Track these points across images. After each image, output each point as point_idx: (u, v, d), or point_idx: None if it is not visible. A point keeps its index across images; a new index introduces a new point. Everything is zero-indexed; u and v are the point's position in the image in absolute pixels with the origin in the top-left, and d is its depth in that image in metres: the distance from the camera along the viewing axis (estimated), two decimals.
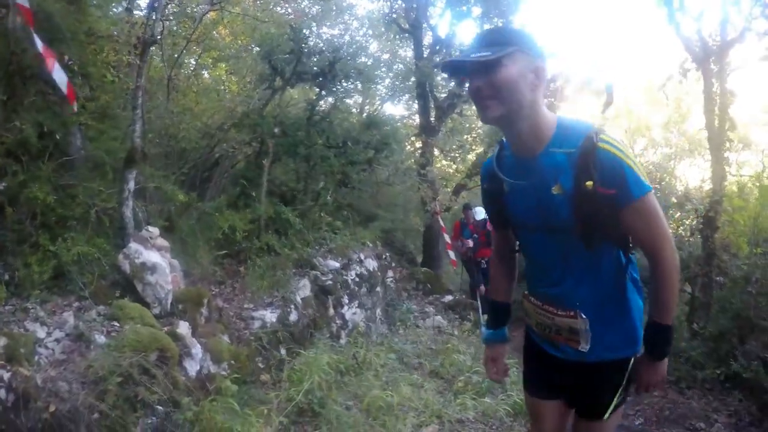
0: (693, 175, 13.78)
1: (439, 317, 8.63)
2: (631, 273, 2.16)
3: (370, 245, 8.86)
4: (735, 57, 7.38)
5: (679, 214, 10.56)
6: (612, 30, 40.89)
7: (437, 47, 13.15)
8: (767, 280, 6.03)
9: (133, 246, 4.81)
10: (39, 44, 4.23)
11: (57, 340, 3.66)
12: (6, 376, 2.99)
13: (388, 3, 13.33)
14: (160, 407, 3.69)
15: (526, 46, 1.95)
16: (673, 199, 11.02)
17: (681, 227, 9.96)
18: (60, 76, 4.43)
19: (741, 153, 12.70)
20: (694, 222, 7.68)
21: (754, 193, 7.54)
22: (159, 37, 6.42)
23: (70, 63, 5.04)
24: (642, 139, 19.69)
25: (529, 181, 2.03)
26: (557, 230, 2.04)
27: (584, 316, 2.08)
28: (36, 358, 3.37)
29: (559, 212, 1.99)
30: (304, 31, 8.78)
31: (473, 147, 14.87)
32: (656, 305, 2.04)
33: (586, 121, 2.06)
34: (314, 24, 9.61)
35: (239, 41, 10.13)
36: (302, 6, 10.48)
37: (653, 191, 1.94)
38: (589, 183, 1.88)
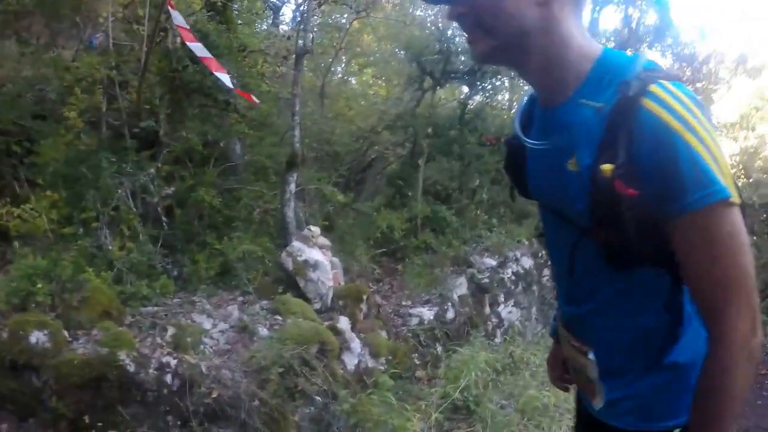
0: None
1: None
2: (687, 307, 1.28)
3: (526, 243, 8.51)
4: None
5: None
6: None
7: None
8: None
9: (296, 244, 4.96)
10: (203, 52, 4.50)
11: (222, 332, 3.84)
12: (173, 362, 3.16)
13: None
14: (318, 398, 3.73)
15: None
16: None
17: None
18: (225, 79, 4.69)
19: None
20: None
21: None
22: (311, 47, 6.66)
23: (229, 76, 5.34)
24: None
25: (549, 142, 1.25)
26: (572, 223, 1.28)
27: (592, 357, 1.35)
28: (201, 347, 3.54)
29: (574, 200, 1.21)
30: (450, 31, 8.72)
31: None
32: (696, 410, 1.15)
33: (640, 56, 1.20)
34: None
35: (385, 46, 10.27)
36: (443, 7, 10.33)
37: (736, 202, 1.07)
38: (607, 167, 1.07)
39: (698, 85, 12.56)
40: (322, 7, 7.11)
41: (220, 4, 5.46)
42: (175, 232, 4.41)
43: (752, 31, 30.18)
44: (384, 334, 5.02)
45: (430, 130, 8.22)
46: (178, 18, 4.51)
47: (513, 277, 7.25)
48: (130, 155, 4.25)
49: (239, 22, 6.47)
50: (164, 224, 4.29)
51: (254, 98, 5.12)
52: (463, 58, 8.70)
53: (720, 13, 32.33)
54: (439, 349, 5.37)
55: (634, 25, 11.87)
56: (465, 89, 9.54)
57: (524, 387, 4.52)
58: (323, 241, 5.33)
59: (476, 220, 7.96)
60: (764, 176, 10.36)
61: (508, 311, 6.88)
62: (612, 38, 12.73)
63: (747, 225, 1.12)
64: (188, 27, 4.61)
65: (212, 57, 4.63)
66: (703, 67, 12.40)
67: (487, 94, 9.83)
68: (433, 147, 8.08)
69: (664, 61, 12.83)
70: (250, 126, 5.72)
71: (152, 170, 4.29)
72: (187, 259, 4.33)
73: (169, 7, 4.44)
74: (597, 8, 12.24)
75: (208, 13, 5.35)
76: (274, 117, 6.55)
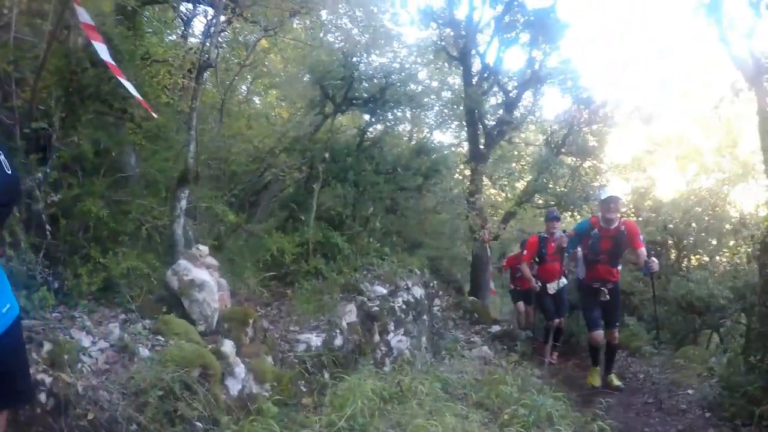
0: (747, 201, 13.24)
1: (485, 347, 8.43)
2: None
3: (418, 272, 8.76)
4: None
5: (734, 241, 10.16)
6: (661, 54, 40.01)
7: (486, 74, 13.13)
8: None
9: (182, 263, 4.84)
10: (106, 55, 4.33)
11: (101, 350, 3.67)
12: (48, 380, 3.00)
13: (437, 31, 13.40)
14: (199, 423, 3.64)
15: None
16: (728, 226, 10.61)
17: (736, 255, 9.57)
18: (128, 85, 4.53)
19: None
20: (751, 249, 7.33)
21: None
22: (214, 62, 6.58)
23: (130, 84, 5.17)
24: (693, 164, 19.13)
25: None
26: None
27: None
28: (79, 366, 3.37)
29: None
30: (355, 58, 8.89)
31: (522, 175, 14.68)
32: None
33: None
34: (364, 52, 9.69)
35: (291, 68, 10.31)
36: (352, 34, 10.62)
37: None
38: None
39: (594, 127, 13.51)
40: (233, 23, 7.04)
41: (130, 8, 5.30)
42: (58, 243, 4.17)
43: (648, 81, 32.99)
44: (270, 359, 4.97)
45: (327, 155, 8.30)
46: (83, 15, 4.32)
47: (404, 306, 7.43)
48: (18, 157, 4.00)
49: (148, 30, 6.29)
50: (48, 233, 4.05)
51: (152, 109, 4.96)
52: (366, 85, 8.90)
53: (620, 62, 35.15)
54: (327, 376, 5.38)
55: (537, 66, 12.66)
56: (366, 117, 9.75)
57: (412, 416, 4.59)
58: (211, 261, 5.23)
59: (368, 247, 8.09)
60: (653, 215, 11.26)
61: (397, 340, 7.02)
62: (515, 77, 13.51)
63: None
64: (93, 25, 4.44)
65: (113, 63, 4.47)
66: (600, 111, 13.36)
67: (388, 124, 10.08)
68: (329, 172, 8.16)
69: (564, 103, 13.78)
70: (145, 137, 5.55)
71: (40, 175, 4.05)
72: (69, 271, 4.10)
73: (75, 4, 4.25)
74: (502, 48, 13.00)
75: (117, 17, 5.18)
76: (171, 131, 6.38)
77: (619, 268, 7.16)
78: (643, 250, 6.78)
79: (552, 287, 8.60)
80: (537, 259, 8.83)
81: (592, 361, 7.36)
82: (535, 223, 14.27)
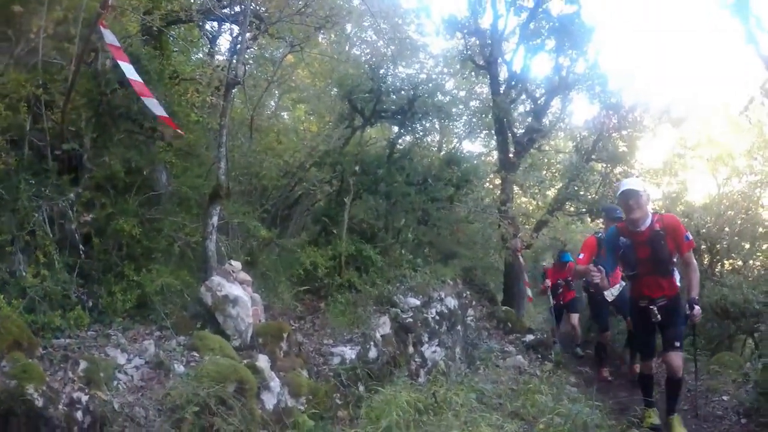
0: None
1: (519, 357, 8.27)
2: None
3: (451, 283, 8.68)
4: None
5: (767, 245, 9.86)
6: (689, 54, 39.47)
7: (513, 82, 13.02)
8: None
9: (216, 279, 4.85)
10: (133, 74, 4.39)
11: (136, 367, 3.69)
12: (84, 398, 3.01)
13: (463, 40, 13.31)
14: None
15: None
16: (761, 230, 10.32)
17: None
18: (153, 104, 4.57)
19: None
20: None
21: None
22: (242, 79, 6.63)
23: (157, 102, 5.23)
24: (725, 167, 18.72)
25: None
26: None
27: None
28: (115, 383, 3.39)
29: None
30: (382, 70, 8.91)
31: (553, 182, 14.50)
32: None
33: None
34: (391, 64, 9.71)
35: (317, 82, 10.37)
36: (378, 46, 10.66)
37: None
38: None
39: (623, 132, 13.29)
40: (259, 40, 7.10)
41: (155, 29, 5.38)
42: (92, 262, 4.22)
43: (677, 83, 32.58)
44: (305, 373, 4.95)
45: (357, 168, 8.30)
46: (109, 37, 4.40)
47: (437, 317, 7.36)
48: (51, 178, 4.06)
49: (174, 49, 6.38)
50: (81, 252, 4.10)
51: (178, 127, 4.98)
52: (394, 97, 8.90)
53: (648, 65, 34.73)
54: (361, 388, 5.34)
55: (564, 72, 12.52)
56: (395, 129, 9.75)
57: (447, 427, 4.52)
58: (244, 276, 5.23)
59: (401, 259, 8.04)
60: (685, 220, 11.01)
61: (432, 351, 6.95)
62: (542, 85, 13.38)
63: None
64: (120, 46, 4.51)
65: (141, 81, 4.53)
66: (629, 116, 13.12)
67: (417, 135, 10.07)
68: (360, 185, 8.15)
69: (592, 109, 13.60)
70: (176, 155, 5.61)
71: (72, 195, 4.11)
72: (103, 290, 4.14)
73: (101, 27, 4.32)
74: (528, 55, 12.90)
75: (143, 38, 5.26)
76: (201, 148, 6.45)
77: (676, 277, 5.48)
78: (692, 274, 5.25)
79: (611, 294, 7.53)
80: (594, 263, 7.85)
81: (645, 401, 5.75)
82: (567, 231, 14.07)
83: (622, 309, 7.69)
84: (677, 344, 5.27)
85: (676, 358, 5.24)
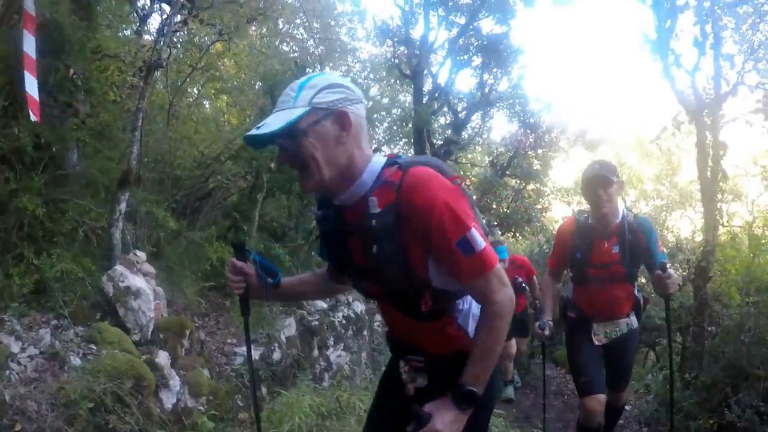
0: (684, 226, 13.94)
1: None
2: None
3: None
4: (727, 110, 7.52)
5: (670, 265, 10.57)
6: (607, 83, 42.04)
7: (436, 94, 13.30)
8: (759, 329, 5.95)
9: (119, 269, 4.66)
10: (30, 47, 4.12)
11: (30, 357, 3.48)
12: None
13: (392, 48, 13.50)
14: None
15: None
16: (665, 250, 11.05)
17: None
18: (32, 84, 4.26)
19: (731, 204, 12.91)
20: (686, 272, 7.64)
21: (745, 242, 7.55)
22: (165, 62, 6.40)
23: (75, 77, 4.96)
24: (634, 191, 20.11)
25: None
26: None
27: None
28: (7, 372, 3.18)
29: None
30: (308, 69, 8.85)
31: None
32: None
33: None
34: (318, 64, 9.66)
35: (243, 74, 10.16)
36: (307, 45, 10.59)
37: None
38: None
39: (539, 151, 13.88)
40: (189, 25, 6.88)
41: None
42: None
43: (593, 108, 34.39)
44: (206, 372, 4.84)
45: (273, 165, 8.18)
46: (28, 2, 4.15)
47: (344, 321, 7.38)
48: None
49: (102, 23, 6.06)
50: None
51: (38, 114, 4.41)
52: None
53: (567, 88, 36.41)
54: (264, 390, 5.28)
55: (487, 89, 12.92)
56: None
57: None
58: (148, 268, 5.06)
59: (309, 261, 7.99)
60: None
61: (337, 355, 6.96)
62: (465, 99, 13.74)
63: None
64: (34, 15, 4.24)
65: (35, 59, 4.26)
66: (546, 136, 13.72)
67: None
68: (274, 183, 8.04)
69: (511, 126, 14.12)
70: (90, 134, 5.32)
71: None
72: (0, 271, 3.88)
73: None
74: (455, 69, 13.20)
75: (71, 5, 4.96)
76: (117, 129, 6.15)
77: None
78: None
79: (603, 332, 4.14)
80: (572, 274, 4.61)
81: None
82: None
83: (617, 366, 4.37)
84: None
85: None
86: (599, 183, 3.76)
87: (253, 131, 1.74)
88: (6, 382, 3.11)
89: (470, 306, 2.01)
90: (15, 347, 3.46)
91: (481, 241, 1.77)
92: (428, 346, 2.06)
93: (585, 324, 4.10)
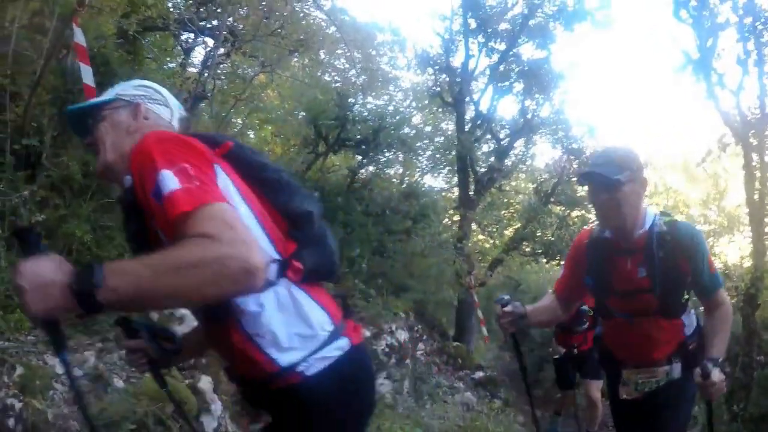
0: (732, 252, 13.42)
1: (468, 393, 8.29)
2: None
3: (402, 316, 8.65)
4: None
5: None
6: (650, 105, 41.30)
7: (479, 121, 13.30)
8: None
9: None
10: (89, 78, 4.30)
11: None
12: (17, 405, 2.87)
13: (433, 77, 13.60)
14: None
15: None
16: (717, 270, 10.67)
17: None
18: None
19: None
20: (735, 300, 7.34)
21: None
22: (209, 93, 6.59)
23: None
24: (680, 216, 19.54)
25: None
26: None
27: None
28: (51, 393, 3.24)
29: None
30: (350, 99, 8.99)
31: (511, 222, 14.74)
32: None
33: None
34: (360, 93, 9.80)
35: (286, 105, 10.36)
36: (349, 75, 10.76)
37: None
38: None
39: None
40: (232, 57, 7.08)
41: (131, 33, 5.29)
42: None
43: (637, 131, 33.88)
44: None
45: (317, 194, 8.29)
46: (78, 36, 4.33)
47: (387, 350, 7.31)
48: (6, 172, 3.92)
49: (147, 56, 6.28)
50: None
51: None
52: (359, 127, 8.96)
53: (610, 112, 35.98)
54: None
55: (529, 115, 12.85)
56: (358, 158, 9.80)
57: None
58: None
59: (353, 289, 7.98)
60: None
61: (379, 383, 6.87)
62: (507, 126, 13.69)
63: None
64: (85, 46, 4.43)
65: (94, 87, 4.43)
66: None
67: (380, 166, 10.14)
68: (326, 211, 8.11)
69: (554, 153, 13.96)
70: None
71: (26, 193, 3.97)
72: None
73: (74, 24, 4.25)
74: (496, 96, 13.21)
75: (118, 40, 5.17)
76: None
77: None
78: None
79: (634, 383, 2.91)
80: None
81: None
82: (522, 271, 14.24)
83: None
84: None
85: None
86: (600, 187, 2.57)
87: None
88: (50, 401, 3.16)
89: (268, 309, 1.50)
90: (59, 368, 3.53)
91: (174, 182, 1.33)
92: (234, 364, 1.67)
93: (614, 370, 2.96)
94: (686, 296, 2.73)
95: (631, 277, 2.64)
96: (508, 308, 2.74)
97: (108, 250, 4.70)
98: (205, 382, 4.43)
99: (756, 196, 6.91)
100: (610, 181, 2.48)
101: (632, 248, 2.63)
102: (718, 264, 11.25)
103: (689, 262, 2.58)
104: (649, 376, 2.79)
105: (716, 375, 2.40)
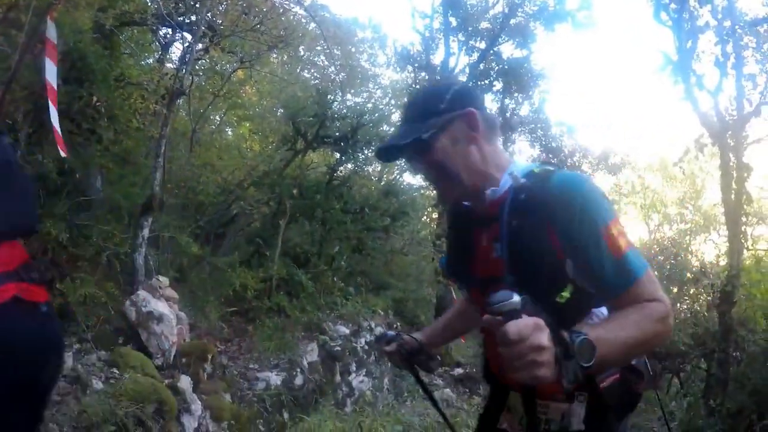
0: (708, 251, 13.67)
1: (448, 390, 8.30)
2: None
3: (381, 313, 8.65)
4: (751, 131, 7.35)
5: (694, 289, 10.33)
6: (629, 105, 41.79)
7: None
8: None
9: (142, 294, 4.68)
10: (52, 76, 4.17)
11: None
12: None
13: (413, 74, 13.59)
14: None
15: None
16: (689, 275, 10.84)
17: (697, 303, 9.73)
18: (55, 117, 4.29)
19: (756, 227, 12.62)
20: (711, 297, 7.45)
21: None
22: (187, 89, 6.50)
23: (97, 105, 5.05)
24: (657, 215, 19.81)
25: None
26: None
27: None
28: None
29: None
30: (329, 96, 8.93)
31: None
32: None
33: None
34: (339, 90, 9.74)
35: (265, 101, 10.27)
36: (328, 72, 10.69)
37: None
38: None
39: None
40: (210, 52, 6.98)
41: (108, 28, 5.18)
42: None
43: (615, 131, 34.29)
44: (228, 397, 4.80)
45: (296, 191, 8.24)
46: (51, 31, 4.23)
47: (366, 347, 7.29)
48: None
49: (125, 51, 6.18)
50: None
51: (64, 148, 4.34)
52: (338, 125, 8.91)
53: (589, 113, 36.27)
54: (286, 416, 5.23)
55: (508, 114, 12.90)
56: (337, 155, 9.75)
57: None
58: (171, 293, 5.07)
59: (332, 286, 7.97)
60: None
61: (359, 380, 6.88)
62: None
63: None
64: (56, 43, 4.32)
65: (56, 89, 4.32)
66: (568, 160, 13.63)
67: (358, 163, 10.10)
68: (297, 209, 8.08)
69: (533, 151, 14.05)
70: (113, 160, 5.41)
71: None
72: None
73: (49, 19, 4.14)
74: None
75: (94, 35, 5.07)
76: (140, 156, 6.24)
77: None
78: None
79: (518, 417, 1.74)
80: None
81: None
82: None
83: None
84: None
85: None
86: (408, 157, 1.74)
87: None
88: None
89: None
90: None
91: None
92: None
93: (497, 388, 1.83)
94: (565, 294, 1.50)
95: (487, 257, 1.66)
96: (389, 347, 2.11)
97: (84, 249, 4.64)
98: (185, 382, 4.41)
99: (732, 196, 7.01)
100: (408, 146, 1.62)
101: (487, 216, 1.67)
102: (695, 261, 11.44)
103: (558, 235, 1.47)
104: (539, 410, 1.65)
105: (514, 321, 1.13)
